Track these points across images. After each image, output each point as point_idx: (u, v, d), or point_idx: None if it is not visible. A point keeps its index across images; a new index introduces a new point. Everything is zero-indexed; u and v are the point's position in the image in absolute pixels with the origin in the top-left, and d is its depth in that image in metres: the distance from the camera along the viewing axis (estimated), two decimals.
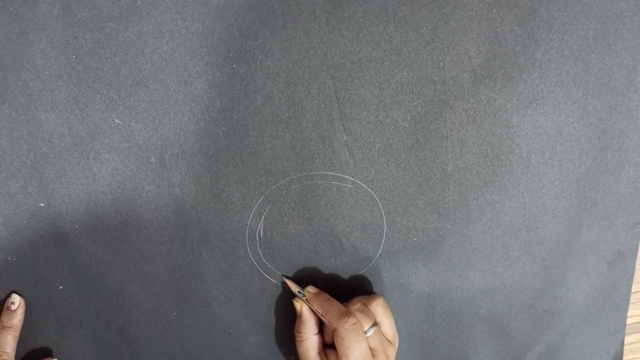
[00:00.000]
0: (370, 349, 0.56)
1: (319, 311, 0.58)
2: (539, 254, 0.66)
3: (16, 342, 0.56)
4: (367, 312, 0.58)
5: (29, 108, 0.52)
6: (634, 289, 0.72)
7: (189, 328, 0.62)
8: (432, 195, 0.60)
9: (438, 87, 0.56)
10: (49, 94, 0.51)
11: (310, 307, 0.59)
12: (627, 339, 0.77)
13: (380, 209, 0.60)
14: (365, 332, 0.56)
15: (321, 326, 0.60)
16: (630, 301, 0.73)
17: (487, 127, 0.58)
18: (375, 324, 0.57)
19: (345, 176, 0.58)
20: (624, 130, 0.62)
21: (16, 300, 0.56)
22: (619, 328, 0.75)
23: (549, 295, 0.69)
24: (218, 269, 0.60)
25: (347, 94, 0.55)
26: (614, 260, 0.69)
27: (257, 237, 0.59)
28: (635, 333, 0.77)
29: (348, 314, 0.55)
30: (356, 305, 0.58)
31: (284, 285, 0.62)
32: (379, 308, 0.59)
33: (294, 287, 0.60)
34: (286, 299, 0.62)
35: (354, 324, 0.55)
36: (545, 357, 0.74)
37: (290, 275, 0.62)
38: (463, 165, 0.60)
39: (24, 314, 0.57)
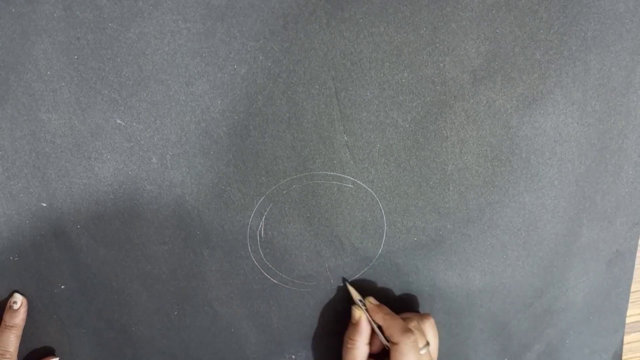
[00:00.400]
0: None
1: (380, 323, 0.59)
2: (538, 254, 0.66)
3: (19, 341, 0.57)
4: (421, 331, 0.58)
5: (31, 108, 0.52)
6: (633, 288, 0.72)
7: (190, 327, 0.62)
8: (432, 195, 0.61)
9: (438, 87, 0.57)
10: (51, 94, 0.52)
11: (368, 318, 0.59)
12: (626, 338, 0.77)
13: (381, 209, 0.60)
14: (419, 350, 0.57)
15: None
16: (630, 300, 0.73)
17: (486, 127, 0.59)
18: (427, 343, 0.58)
19: (346, 176, 0.58)
20: (622, 130, 0.62)
21: (18, 300, 0.57)
22: (618, 327, 0.75)
23: (548, 294, 0.69)
24: (219, 269, 0.60)
25: (348, 95, 0.56)
26: (613, 260, 0.69)
27: (258, 237, 0.59)
28: (634, 332, 0.77)
29: (410, 330, 0.56)
30: (413, 322, 0.58)
31: (342, 290, 0.63)
32: (430, 329, 0.60)
33: (356, 296, 0.61)
34: (287, 298, 0.63)
35: (414, 341, 0.56)
36: (545, 356, 0.74)
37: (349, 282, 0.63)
38: (463, 166, 0.60)
39: (26, 313, 0.57)
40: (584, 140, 0.61)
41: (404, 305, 0.66)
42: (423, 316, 0.61)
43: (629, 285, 0.72)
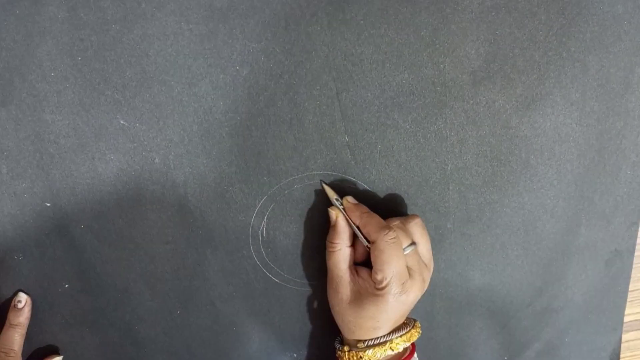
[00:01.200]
0: (407, 267, 0.53)
1: (357, 223, 0.55)
2: (537, 253, 0.66)
3: (23, 339, 0.57)
4: (405, 230, 0.55)
5: (35, 109, 0.52)
6: (631, 287, 0.73)
7: (192, 326, 0.62)
8: (432, 195, 0.61)
9: (438, 88, 0.57)
10: (54, 95, 0.52)
11: (346, 218, 0.56)
12: (625, 337, 0.77)
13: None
14: (403, 250, 0.53)
15: (353, 242, 0.57)
16: (628, 299, 0.73)
17: (486, 128, 0.59)
18: (413, 243, 0.55)
19: (347, 176, 0.59)
20: (621, 131, 0.63)
21: (23, 299, 0.57)
22: (617, 326, 0.75)
23: (547, 293, 0.69)
24: (221, 268, 0.60)
25: (349, 96, 0.56)
26: (611, 259, 0.70)
27: (259, 237, 0.60)
28: (632, 331, 0.77)
29: (388, 227, 0.52)
30: (395, 222, 0.55)
31: (320, 192, 0.59)
32: (417, 228, 0.56)
33: (332, 194, 0.58)
34: (289, 297, 0.63)
35: (394, 238, 0.52)
36: (544, 355, 0.74)
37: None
38: (463, 166, 0.60)
39: (30, 312, 0.57)
40: (583, 141, 0.62)
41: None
42: (408, 217, 0.57)
43: (627, 284, 0.72)
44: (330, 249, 0.56)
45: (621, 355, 0.78)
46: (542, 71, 0.58)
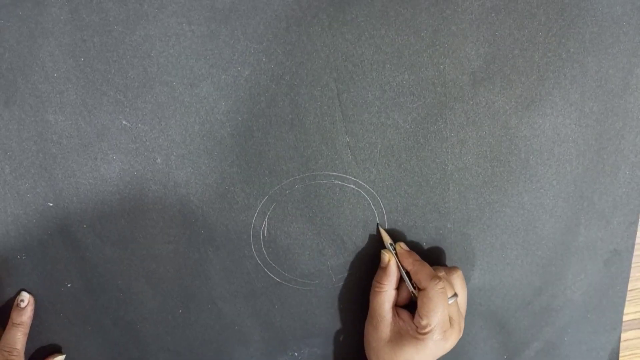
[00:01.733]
0: (448, 317, 0.56)
1: (409, 269, 0.58)
2: (537, 253, 0.67)
3: (26, 338, 0.57)
4: (449, 281, 0.58)
5: (38, 110, 0.52)
6: (630, 286, 0.73)
7: (194, 325, 0.63)
8: (433, 195, 0.61)
9: (438, 89, 0.57)
10: (57, 96, 0.52)
11: (397, 263, 0.59)
12: (624, 336, 0.77)
13: (382, 208, 0.61)
14: (448, 300, 0.56)
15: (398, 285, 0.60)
16: (627, 299, 0.74)
17: (486, 128, 0.59)
18: (455, 294, 0.57)
19: (348, 176, 0.59)
20: (620, 131, 0.63)
21: (25, 298, 0.57)
22: (616, 325, 0.75)
23: (546, 293, 0.70)
24: (223, 267, 0.61)
25: (350, 96, 0.56)
26: (610, 259, 0.70)
27: (261, 236, 0.60)
28: (631, 330, 0.78)
29: (438, 277, 0.55)
30: (441, 272, 0.58)
31: (375, 236, 0.62)
32: (458, 280, 0.59)
33: (387, 239, 0.61)
34: (290, 297, 0.63)
35: (442, 288, 0.55)
36: (543, 354, 0.74)
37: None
38: (463, 166, 0.60)
39: (33, 312, 0.58)
40: (582, 141, 0.62)
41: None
42: (451, 268, 0.60)
43: (626, 283, 0.72)
44: (377, 289, 0.59)
45: (620, 354, 0.78)
46: (542, 72, 0.58)
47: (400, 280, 0.60)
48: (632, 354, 0.79)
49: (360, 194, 0.60)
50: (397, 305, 0.60)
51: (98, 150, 0.54)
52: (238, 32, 0.53)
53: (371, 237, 0.62)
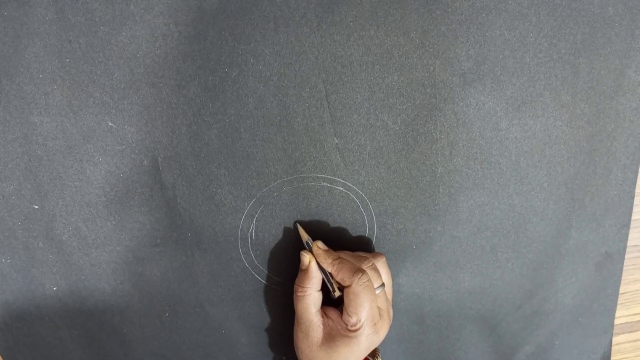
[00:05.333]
0: (377, 308, 0.55)
1: (329, 270, 0.55)
2: (528, 256, 0.66)
3: None
4: (376, 271, 0.56)
5: (23, 111, 0.52)
6: (621, 290, 0.73)
7: (181, 329, 0.62)
8: (422, 197, 0.61)
9: (428, 90, 0.57)
10: (42, 97, 0.52)
11: (318, 263, 0.56)
12: (615, 340, 0.77)
13: (371, 211, 0.61)
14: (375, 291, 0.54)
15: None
16: (618, 302, 0.73)
17: (476, 130, 0.59)
18: (382, 284, 0.56)
19: (336, 178, 0.59)
20: (611, 133, 0.62)
21: None
22: (607, 329, 0.75)
23: (537, 296, 0.69)
24: (210, 271, 0.60)
25: (338, 97, 0.56)
26: (602, 262, 0.70)
27: (249, 239, 0.60)
28: (622, 334, 0.77)
29: (362, 270, 0.53)
30: (368, 262, 0.55)
31: (293, 231, 0.60)
32: (383, 268, 0.57)
33: (304, 237, 0.58)
34: (278, 300, 0.63)
35: (367, 281, 0.53)
36: (534, 358, 0.74)
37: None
38: (453, 168, 0.60)
39: None
40: (573, 143, 0.62)
41: (394, 306, 0.66)
42: (376, 255, 0.58)
43: (618, 286, 0.72)
44: (300, 293, 0.56)
45: (612, 358, 0.78)
46: (533, 73, 0.58)
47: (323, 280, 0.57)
48: (623, 358, 0.79)
49: (349, 196, 0.59)
50: (323, 305, 0.58)
51: (84, 152, 0.54)
52: (226, 33, 0.52)
53: (360, 239, 0.62)
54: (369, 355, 0.58)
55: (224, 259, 0.60)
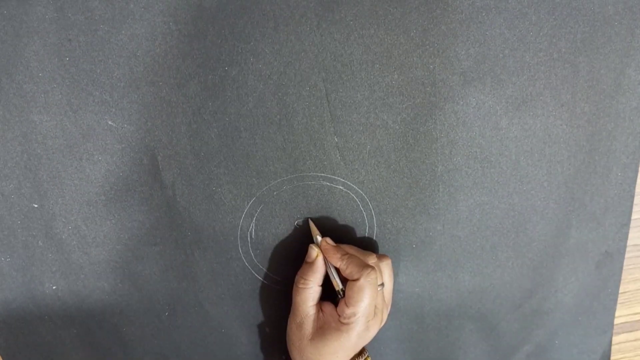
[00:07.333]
0: (374, 306, 0.55)
1: (338, 265, 0.55)
2: (527, 255, 0.66)
3: None
4: (379, 270, 0.56)
5: (23, 110, 0.52)
6: (621, 289, 0.73)
7: (181, 328, 0.62)
8: (422, 196, 0.61)
9: (428, 89, 0.57)
10: (42, 96, 0.52)
11: (325, 259, 0.57)
12: (615, 339, 0.77)
13: (371, 210, 0.60)
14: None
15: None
16: (618, 301, 0.73)
17: (476, 129, 0.59)
18: (382, 283, 0.56)
19: (336, 177, 0.59)
20: (611, 132, 0.62)
21: None
22: (607, 328, 0.75)
23: (537, 295, 0.69)
24: (210, 270, 0.60)
25: (338, 96, 0.56)
26: (601, 261, 0.70)
27: (248, 238, 0.59)
28: (622, 333, 0.77)
29: (370, 267, 0.54)
30: (373, 259, 0.56)
31: (302, 226, 0.60)
32: (387, 270, 0.58)
33: (315, 232, 0.59)
34: (277, 299, 0.63)
35: (375, 278, 0.53)
36: (534, 357, 0.74)
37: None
38: (453, 167, 0.60)
39: None
40: (573, 142, 0.62)
41: (394, 305, 0.66)
42: (381, 256, 0.58)
43: (618, 286, 0.72)
44: (302, 285, 0.57)
45: (611, 358, 0.78)
46: (533, 72, 0.58)
47: (325, 277, 0.58)
48: (623, 357, 0.79)
49: (349, 195, 0.59)
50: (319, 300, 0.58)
51: (83, 150, 0.54)
52: (225, 32, 0.52)
53: (360, 239, 0.62)
54: (357, 354, 0.58)
55: (223, 258, 0.60)
